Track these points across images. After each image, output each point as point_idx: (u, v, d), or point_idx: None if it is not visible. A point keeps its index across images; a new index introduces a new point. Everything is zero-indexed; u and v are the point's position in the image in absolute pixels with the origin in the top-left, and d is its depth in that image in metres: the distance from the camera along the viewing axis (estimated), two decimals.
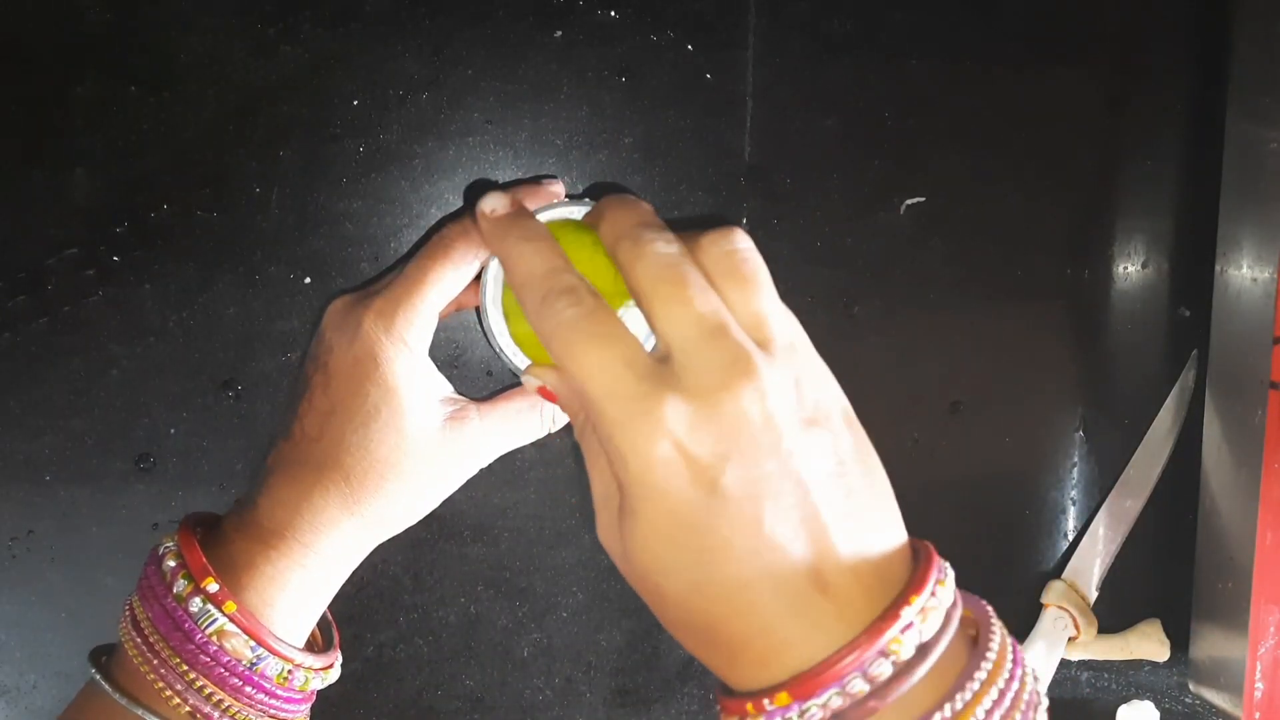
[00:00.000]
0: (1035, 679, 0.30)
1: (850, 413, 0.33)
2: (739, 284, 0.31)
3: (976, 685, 0.28)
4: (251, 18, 0.47)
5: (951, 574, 0.31)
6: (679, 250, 0.32)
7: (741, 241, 0.32)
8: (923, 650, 0.28)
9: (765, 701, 0.28)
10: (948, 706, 0.27)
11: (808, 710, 0.28)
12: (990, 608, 0.31)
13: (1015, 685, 0.29)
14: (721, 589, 0.29)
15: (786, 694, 0.28)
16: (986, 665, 0.28)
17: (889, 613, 0.28)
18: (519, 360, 0.44)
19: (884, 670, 0.27)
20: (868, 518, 0.31)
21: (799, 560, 0.29)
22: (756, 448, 0.29)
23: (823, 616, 0.28)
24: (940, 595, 0.29)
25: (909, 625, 0.28)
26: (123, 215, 0.47)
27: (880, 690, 0.27)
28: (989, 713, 0.28)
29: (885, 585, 0.29)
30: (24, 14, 0.45)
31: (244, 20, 0.46)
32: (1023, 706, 0.28)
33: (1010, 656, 0.29)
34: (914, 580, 0.29)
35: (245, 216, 0.48)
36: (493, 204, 0.37)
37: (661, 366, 0.30)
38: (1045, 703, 0.29)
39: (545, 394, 0.36)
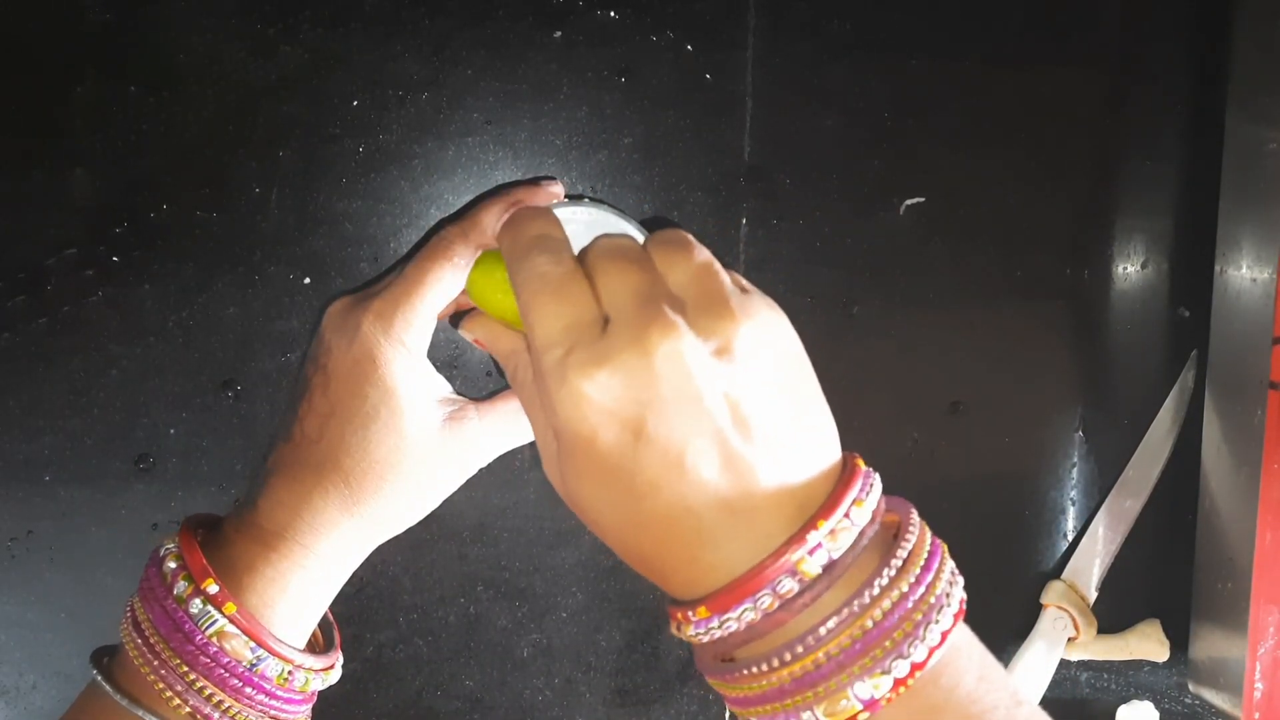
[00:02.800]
0: (953, 582, 0.32)
1: (789, 346, 0.34)
2: (672, 253, 0.34)
3: (876, 590, 0.31)
4: (251, 18, 0.47)
5: (876, 490, 0.33)
6: (631, 244, 0.35)
7: (676, 233, 0.36)
8: (829, 569, 0.31)
9: (689, 613, 0.32)
10: (845, 610, 0.30)
11: (725, 621, 0.31)
12: (914, 512, 0.34)
13: (920, 590, 0.31)
14: (651, 525, 0.32)
15: (705, 608, 0.32)
16: (889, 572, 0.31)
17: (796, 537, 0.31)
18: None
19: (791, 588, 0.31)
20: (794, 449, 0.33)
21: (721, 498, 0.32)
22: (677, 399, 0.31)
23: (742, 546, 0.32)
24: (855, 515, 0.32)
25: (816, 547, 0.31)
26: (123, 215, 0.47)
27: (788, 605, 0.31)
28: (887, 614, 0.30)
29: (804, 510, 0.32)
30: (24, 14, 0.45)
31: (244, 20, 0.46)
32: (925, 608, 0.31)
33: (922, 561, 0.32)
34: (824, 505, 0.32)
35: (245, 216, 0.48)
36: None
37: (599, 329, 0.33)
38: (954, 606, 0.32)
39: (480, 344, 0.41)
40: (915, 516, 0.34)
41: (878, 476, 0.34)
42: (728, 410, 0.32)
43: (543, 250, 0.35)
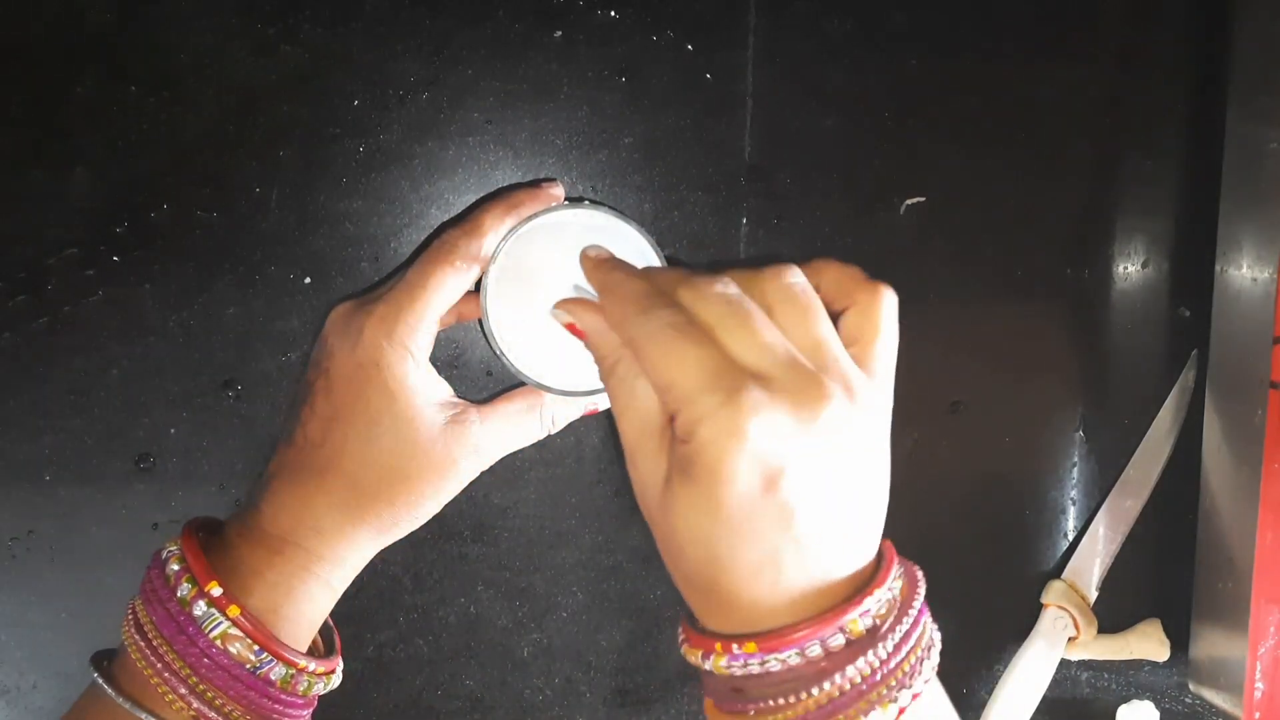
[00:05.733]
0: (932, 625, 0.36)
1: (884, 416, 0.37)
2: (797, 314, 0.35)
3: (898, 637, 0.34)
4: (251, 18, 0.47)
5: (898, 572, 0.36)
6: (736, 290, 0.35)
7: (796, 276, 0.36)
8: (872, 631, 0.34)
9: (734, 646, 0.34)
10: (870, 653, 0.33)
11: (768, 661, 0.33)
12: (919, 573, 0.37)
13: (918, 630, 0.35)
14: (737, 567, 0.34)
15: (754, 644, 0.33)
16: (906, 622, 0.35)
17: (854, 600, 0.34)
18: (519, 363, 0.44)
19: (839, 642, 0.33)
20: (864, 528, 0.36)
21: (811, 557, 0.34)
22: (814, 461, 0.33)
23: (804, 600, 0.34)
24: (894, 586, 0.35)
25: (865, 611, 0.34)
26: (123, 215, 0.47)
27: (831, 655, 0.33)
28: (892, 653, 0.34)
29: (856, 577, 0.35)
30: (24, 14, 0.45)
31: (244, 20, 0.46)
32: (920, 652, 0.35)
33: (916, 609, 0.35)
34: (878, 576, 0.35)
35: (245, 216, 0.48)
36: (595, 250, 0.42)
37: (749, 376, 0.33)
38: (938, 644, 0.36)
39: (573, 330, 0.40)
40: (919, 574, 0.37)
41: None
42: (851, 477, 0.34)
43: (658, 304, 0.35)
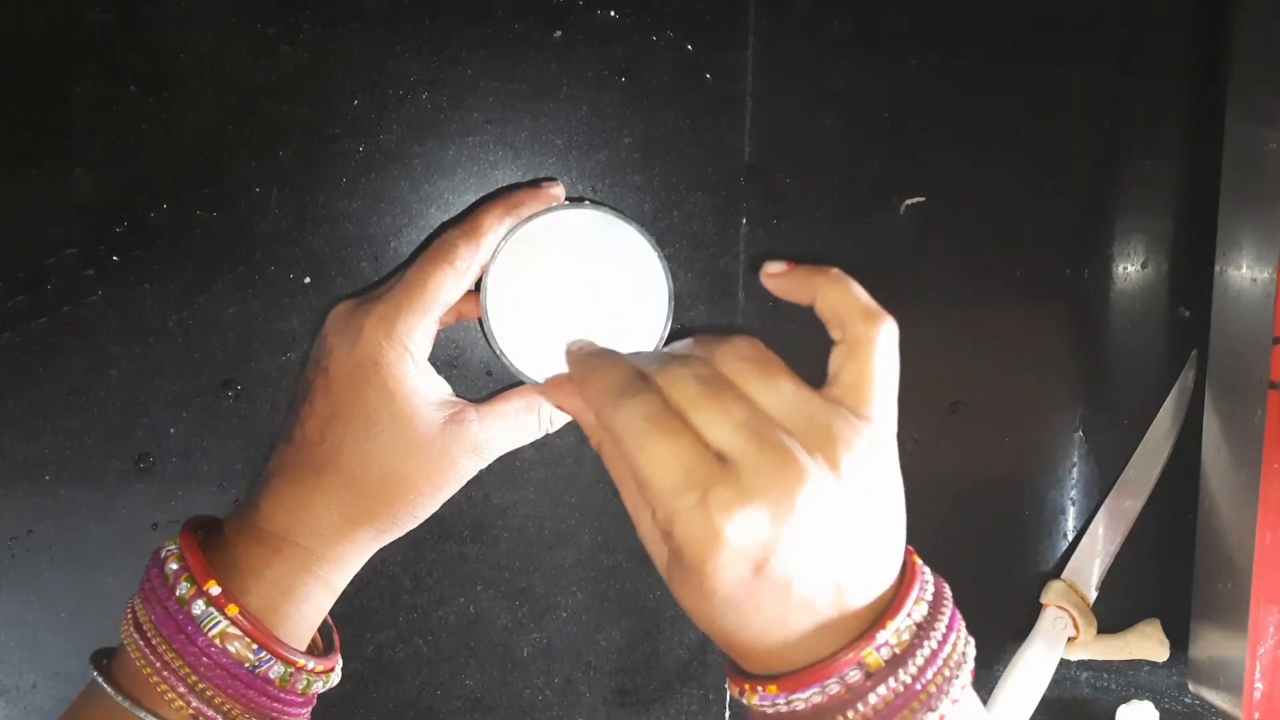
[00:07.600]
0: (968, 641, 0.36)
1: (884, 452, 0.36)
2: (762, 383, 0.35)
3: (920, 660, 0.34)
4: (251, 18, 0.47)
5: (930, 585, 0.37)
6: (708, 369, 0.36)
7: (750, 348, 0.36)
8: (892, 661, 0.34)
9: (760, 687, 0.35)
10: (892, 679, 0.34)
11: (793, 700, 0.35)
12: (948, 588, 0.37)
13: (946, 649, 0.35)
14: (745, 632, 0.35)
15: (776, 687, 0.35)
16: (930, 644, 0.35)
17: (866, 636, 0.34)
18: (519, 363, 0.44)
19: (857, 677, 0.34)
20: (881, 562, 0.36)
21: (817, 613, 0.34)
22: (806, 542, 0.33)
23: (821, 643, 0.35)
24: (915, 612, 0.35)
25: (883, 644, 0.34)
26: (123, 215, 0.47)
27: (852, 689, 0.34)
28: (918, 674, 0.34)
29: (874, 609, 0.35)
30: (24, 14, 0.45)
31: (244, 20, 0.46)
32: (947, 671, 0.35)
33: (944, 625, 0.35)
34: (891, 607, 0.35)
35: (245, 216, 0.48)
36: (577, 344, 0.42)
37: (721, 466, 0.33)
38: (970, 663, 0.36)
39: (562, 408, 0.41)
40: (946, 590, 0.37)
41: (926, 569, 0.37)
42: (841, 542, 0.34)
43: (630, 393, 0.35)
